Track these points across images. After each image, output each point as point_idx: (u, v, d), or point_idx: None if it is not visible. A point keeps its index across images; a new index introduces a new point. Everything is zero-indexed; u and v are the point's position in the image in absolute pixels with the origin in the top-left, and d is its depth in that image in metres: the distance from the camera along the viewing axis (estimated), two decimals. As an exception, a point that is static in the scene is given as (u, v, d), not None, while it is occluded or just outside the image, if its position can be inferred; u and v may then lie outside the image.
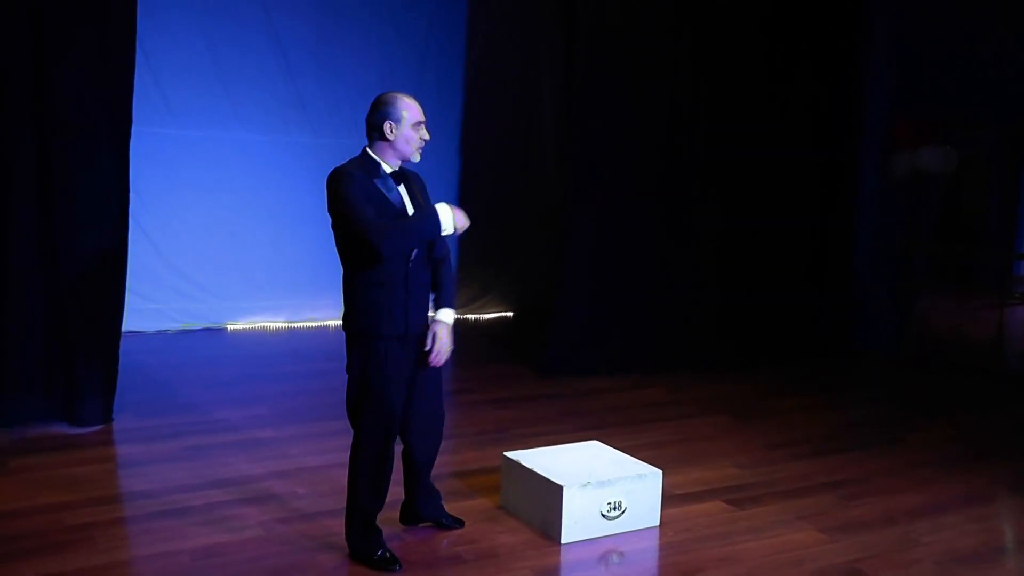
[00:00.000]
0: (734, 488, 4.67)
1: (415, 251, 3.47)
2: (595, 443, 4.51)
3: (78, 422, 5.18)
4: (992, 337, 8.86)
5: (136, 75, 5.29)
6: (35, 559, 3.57)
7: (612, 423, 5.69)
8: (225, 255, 8.02)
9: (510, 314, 9.39)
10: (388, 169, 3.47)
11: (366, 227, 3.29)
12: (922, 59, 7.91)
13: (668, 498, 4.33)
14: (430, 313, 3.63)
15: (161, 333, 7.79)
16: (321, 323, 8.48)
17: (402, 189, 3.51)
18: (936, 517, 4.41)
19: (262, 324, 8.27)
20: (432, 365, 3.60)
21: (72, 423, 5.18)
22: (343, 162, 3.47)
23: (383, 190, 3.42)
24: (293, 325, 8.37)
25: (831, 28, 7.78)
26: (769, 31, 7.47)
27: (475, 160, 8.83)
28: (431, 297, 3.65)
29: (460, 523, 4.01)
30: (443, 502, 4.01)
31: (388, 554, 3.60)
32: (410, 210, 3.48)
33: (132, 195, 5.41)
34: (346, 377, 3.65)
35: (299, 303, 8.36)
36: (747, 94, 7.42)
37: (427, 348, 3.59)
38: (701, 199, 7.33)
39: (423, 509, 3.94)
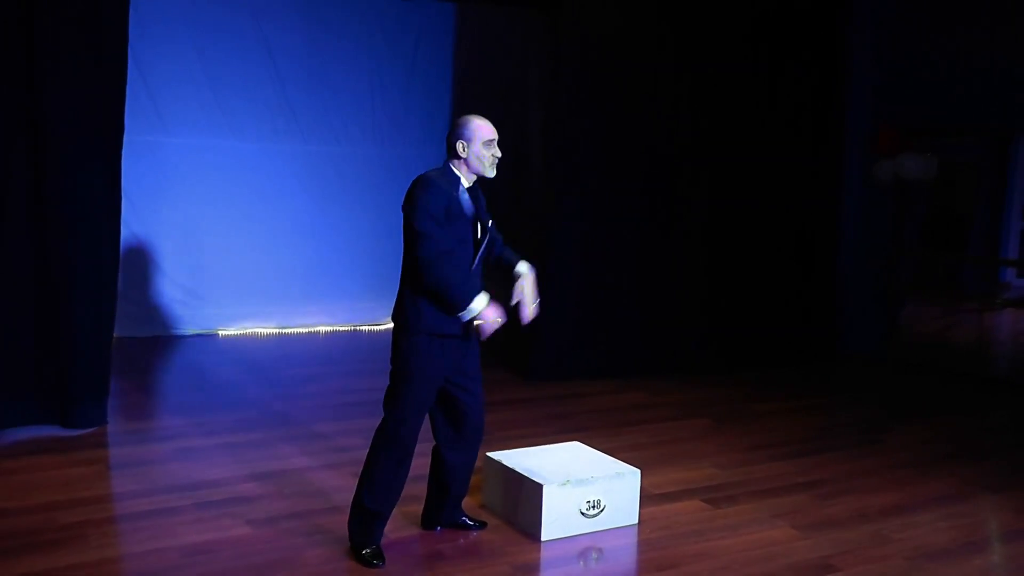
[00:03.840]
0: (712, 488, 4.78)
1: (477, 260, 3.66)
2: (576, 444, 4.62)
3: (71, 425, 5.28)
4: (975, 341, 9.00)
5: (128, 84, 5.40)
6: (29, 556, 3.66)
7: (595, 426, 5.80)
8: (216, 261, 8.13)
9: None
10: (465, 183, 3.67)
11: (421, 239, 3.49)
12: (906, 66, 8.04)
13: (647, 497, 4.44)
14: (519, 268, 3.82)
15: (153, 338, 7.89)
16: (312, 329, 8.58)
17: (475, 204, 3.70)
18: (909, 515, 4.52)
19: (253, 330, 8.37)
20: (523, 320, 3.73)
21: (65, 426, 5.27)
22: (426, 170, 3.68)
23: (462, 203, 3.61)
24: (284, 331, 8.47)
25: (814, 35, 7.92)
26: (753, 39, 7.59)
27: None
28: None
29: (482, 524, 4.10)
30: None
31: (376, 550, 3.71)
32: (480, 226, 3.69)
33: (124, 202, 5.51)
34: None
35: (290, 309, 8.47)
36: (731, 101, 7.54)
37: (513, 302, 3.72)
38: (686, 205, 7.45)
39: (442, 513, 4.04)
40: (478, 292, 3.57)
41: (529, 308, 3.71)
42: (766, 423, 6.09)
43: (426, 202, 3.50)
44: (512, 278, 3.78)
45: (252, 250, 8.26)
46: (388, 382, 3.73)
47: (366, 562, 3.67)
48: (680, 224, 7.46)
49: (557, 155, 7.09)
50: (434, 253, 3.49)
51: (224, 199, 8.10)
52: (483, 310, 3.56)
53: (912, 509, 4.61)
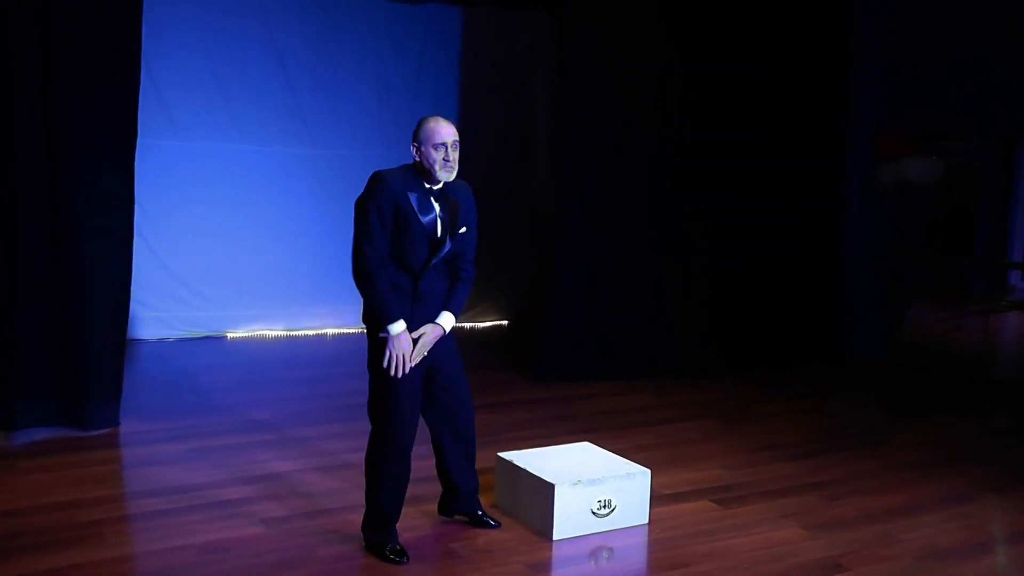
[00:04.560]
0: (721, 488, 4.82)
1: (432, 262, 3.67)
2: (586, 444, 4.66)
3: (85, 425, 5.32)
4: (979, 343, 9.04)
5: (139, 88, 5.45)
6: (47, 553, 3.71)
7: (602, 427, 5.84)
8: (225, 264, 8.17)
9: (505, 322, 9.55)
10: (427, 185, 3.69)
11: (359, 241, 3.57)
12: (909, 70, 8.08)
13: (656, 498, 4.48)
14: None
15: (162, 341, 7.93)
16: (319, 331, 8.63)
17: (438, 208, 3.69)
18: (916, 516, 4.56)
19: (261, 332, 8.41)
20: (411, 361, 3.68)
21: (79, 427, 5.32)
22: (385, 167, 3.71)
23: (414, 204, 3.62)
24: (291, 333, 8.52)
25: (818, 39, 7.96)
26: (757, 43, 7.64)
27: (469, 172, 9.00)
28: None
29: (496, 523, 4.15)
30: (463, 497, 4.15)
31: (398, 547, 3.77)
32: (439, 231, 3.68)
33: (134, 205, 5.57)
34: (359, 376, 3.77)
35: (297, 311, 8.52)
36: (735, 104, 7.59)
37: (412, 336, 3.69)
38: (690, 209, 7.49)
39: (456, 503, 4.11)
40: (399, 318, 3.57)
41: (412, 358, 3.66)
42: (771, 424, 6.13)
43: (373, 204, 3.55)
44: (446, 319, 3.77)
45: (260, 252, 8.31)
46: (369, 389, 3.76)
47: (390, 560, 3.72)
48: (684, 225, 7.49)
49: (562, 157, 7.14)
50: (367, 263, 3.54)
51: (233, 202, 8.14)
52: (394, 336, 3.58)
53: (919, 509, 4.65)
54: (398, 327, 3.59)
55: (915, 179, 8.18)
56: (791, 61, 7.82)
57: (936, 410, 6.73)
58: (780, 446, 5.63)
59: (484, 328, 9.34)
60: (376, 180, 3.60)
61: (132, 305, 5.69)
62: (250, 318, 8.36)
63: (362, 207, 3.59)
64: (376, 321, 3.61)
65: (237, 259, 8.21)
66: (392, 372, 3.60)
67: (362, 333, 8.85)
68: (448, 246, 3.71)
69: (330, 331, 8.66)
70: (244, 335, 8.34)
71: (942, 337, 9.72)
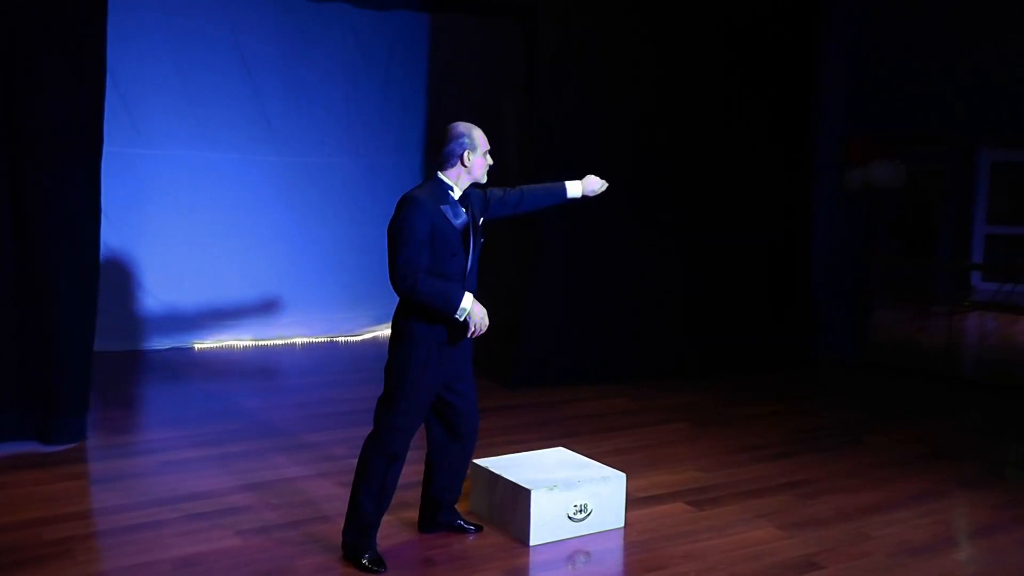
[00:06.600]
0: (696, 490, 4.83)
1: (469, 265, 3.69)
2: (561, 449, 4.66)
3: (50, 440, 5.21)
4: (945, 343, 9.17)
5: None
6: (15, 573, 3.62)
7: (579, 431, 5.85)
8: (192, 273, 8.08)
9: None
10: (457, 193, 3.70)
11: (401, 265, 3.53)
12: (876, 77, 8.21)
13: (632, 501, 4.49)
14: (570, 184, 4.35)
15: (128, 352, 7.81)
16: (288, 340, 8.55)
17: (464, 210, 3.72)
18: (889, 513, 4.61)
19: (229, 342, 8.32)
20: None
21: (45, 442, 5.21)
22: (413, 187, 3.72)
23: (450, 216, 3.64)
24: (260, 343, 8.43)
25: (787, 47, 8.05)
26: (727, 49, 7.72)
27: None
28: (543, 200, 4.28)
29: (479, 528, 4.14)
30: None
31: (376, 556, 3.73)
32: (471, 230, 3.72)
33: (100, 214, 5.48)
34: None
35: (266, 321, 8.44)
36: (707, 112, 7.65)
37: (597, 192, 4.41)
38: (665, 216, 7.53)
39: (438, 516, 4.09)
40: (463, 292, 3.61)
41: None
42: (747, 426, 6.16)
43: (410, 227, 3.53)
44: (577, 185, 4.28)
45: (228, 262, 8.23)
46: (377, 391, 3.76)
47: (368, 569, 3.68)
48: (659, 232, 7.53)
49: (537, 163, 7.14)
50: (412, 280, 3.52)
51: (200, 211, 8.06)
52: (471, 308, 3.60)
53: (891, 507, 4.69)
54: (469, 298, 3.60)
55: (880, 183, 8.29)
56: (761, 69, 7.90)
57: (908, 409, 6.81)
58: (755, 447, 5.66)
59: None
60: (410, 202, 3.58)
61: (98, 317, 5.60)
62: (219, 328, 8.27)
63: (397, 231, 3.55)
64: (445, 307, 3.57)
65: (204, 268, 8.12)
66: (472, 335, 3.66)
67: (330, 342, 8.80)
68: (480, 240, 3.78)
69: (299, 340, 8.58)
70: (212, 346, 8.24)
71: (909, 338, 9.86)
